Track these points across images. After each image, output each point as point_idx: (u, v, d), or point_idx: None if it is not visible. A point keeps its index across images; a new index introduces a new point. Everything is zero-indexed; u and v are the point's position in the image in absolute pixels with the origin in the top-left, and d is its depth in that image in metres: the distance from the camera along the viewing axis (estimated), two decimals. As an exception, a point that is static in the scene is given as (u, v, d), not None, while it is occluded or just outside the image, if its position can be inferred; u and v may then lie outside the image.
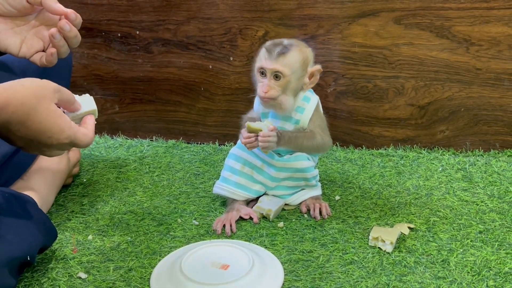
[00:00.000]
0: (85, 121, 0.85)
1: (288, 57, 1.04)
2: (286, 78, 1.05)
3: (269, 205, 1.14)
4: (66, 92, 0.82)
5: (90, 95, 0.89)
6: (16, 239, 0.88)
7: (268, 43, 1.08)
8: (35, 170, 1.17)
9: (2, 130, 0.77)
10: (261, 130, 1.05)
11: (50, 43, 0.92)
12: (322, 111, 1.16)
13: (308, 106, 1.11)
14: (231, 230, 1.09)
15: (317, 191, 1.18)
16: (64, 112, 0.82)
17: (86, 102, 0.86)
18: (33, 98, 0.77)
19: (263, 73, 1.06)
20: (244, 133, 1.08)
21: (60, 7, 0.90)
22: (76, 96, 0.85)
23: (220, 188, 1.17)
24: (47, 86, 0.79)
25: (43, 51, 0.94)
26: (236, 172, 1.16)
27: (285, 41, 1.07)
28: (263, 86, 1.05)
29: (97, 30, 1.51)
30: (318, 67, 1.09)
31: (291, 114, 1.11)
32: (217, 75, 1.50)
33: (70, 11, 0.90)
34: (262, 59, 1.06)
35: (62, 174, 1.22)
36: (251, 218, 1.13)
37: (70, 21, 0.90)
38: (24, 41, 0.92)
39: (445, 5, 1.33)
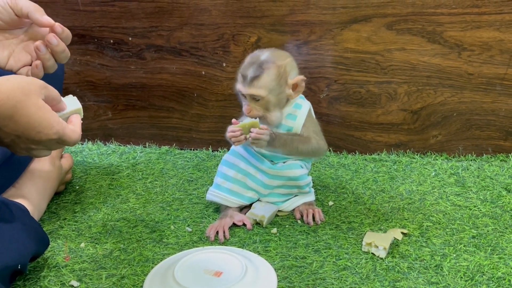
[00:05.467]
0: (71, 119, 0.85)
1: (262, 79, 1.05)
2: (264, 99, 1.06)
3: (262, 211, 1.14)
4: (52, 89, 0.82)
5: (83, 101, 0.89)
6: (7, 247, 0.88)
7: (245, 62, 1.08)
8: (26, 177, 1.16)
9: None
10: (253, 126, 1.05)
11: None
12: (314, 116, 1.16)
13: (300, 113, 1.11)
14: (224, 236, 1.09)
15: (310, 197, 1.18)
16: None
17: (71, 102, 0.86)
18: (19, 92, 0.76)
19: (243, 95, 1.08)
20: (230, 126, 1.08)
21: (47, 19, 0.89)
22: None
23: (213, 194, 1.16)
24: (33, 82, 0.79)
25: (31, 65, 0.93)
26: (229, 179, 1.16)
27: (262, 57, 1.06)
28: (245, 107, 1.08)
29: (90, 37, 1.51)
30: (301, 77, 1.08)
31: (282, 121, 1.11)
32: (210, 81, 1.50)
33: (57, 24, 0.89)
34: (239, 83, 1.07)
35: (54, 181, 1.21)
36: (244, 225, 1.13)
37: (56, 34, 0.89)
38: (12, 54, 0.91)
39: (437, 11, 1.33)
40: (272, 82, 1.05)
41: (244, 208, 1.18)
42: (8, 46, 0.92)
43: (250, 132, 1.05)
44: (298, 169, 1.14)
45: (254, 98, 1.06)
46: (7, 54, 0.91)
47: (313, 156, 1.17)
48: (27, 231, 0.94)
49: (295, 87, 1.08)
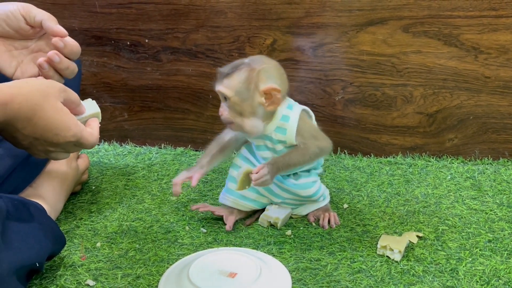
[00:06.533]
0: (90, 123, 0.85)
1: (232, 78, 1.02)
2: (231, 100, 1.03)
3: (276, 214, 1.14)
4: (72, 93, 0.82)
5: (100, 103, 0.90)
6: (24, 246, 0.89)
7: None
8: (44, 177, 1.17)
9: (8, 129, 0.77)
10: (247, 173, 1.04)
11: None
12: (309, 118, 1.11)
13: (288, 126, 1.06)
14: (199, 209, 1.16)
15: (324, 202, 1.18)
16: None
17: (90, 106, 0.87)
18: (38, 94, 0.77)
19: None
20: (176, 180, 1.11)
21: (59, 28, 0.88)
22: None
23: (226, 198, 1.16)
24: (52, 85, 0.80)
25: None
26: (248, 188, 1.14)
27: (246, 60, 1.04)
28: (220, 109, 1.06)
29: (107, 39, 1.52)
30: (271, 86, 1.02)
31: (271, 135, 1.07)
32: (226, 83, 1.50)
33: (57, 39, 0.87)
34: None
35: (70, 181, 1.22)
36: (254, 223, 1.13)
37: (59, 49, 0.87)
38: (20, 65, 0.92)
39: (453, 13, 1.33)
40: (240, 83, 1.02)
41: (257, 211, 1.18)
42: (17, 56, 0.92)
43: (251, 180, 1.04)
44: (310, 188, 1.12)
45: (225, 98, 1.04)
46: (15, 65, 0.91)
47: (318, 158, 1.12)
48: (44, 230, 0.95)
49: (268, 97, 1.03)
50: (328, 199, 1.19)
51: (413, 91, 1.41)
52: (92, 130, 0.83)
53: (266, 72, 1.03)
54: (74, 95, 0.82)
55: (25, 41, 0.93)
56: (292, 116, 1.07)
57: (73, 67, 0.90)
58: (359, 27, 1.38)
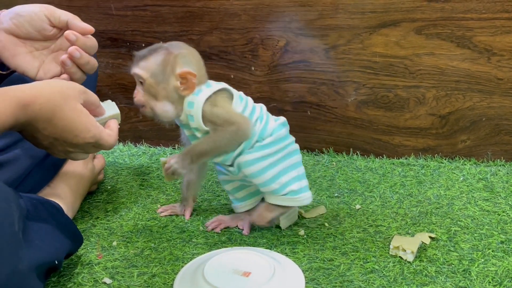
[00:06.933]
0: (109, 124, 0.87)
1: (148, 61, 1.01)
2: (146, 82, 1.00)
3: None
4: (92, 94, 0.84)
5: (115, 104, 0.92)
6: (44, 244, 0.90)
7: None
8: (61, 177, 1.19)
9: (29, 129, 0.79)
10: (164, 164, 1.05)
11: None
12: (228, 99, 1.05)
13: (193, 112, 1.02)
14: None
15: (279, 200, 1.09)
16: None
17: (109, 107, 0.89)
18: (58, 95, 0.79)
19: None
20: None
21: (86, 25, 0.91)
22: None
23: (235, 207, 1.17)
24: (73, 86, 0.82)
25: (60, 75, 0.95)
26: (232, 191, 1.15)
27: (164, 45, 1.03)
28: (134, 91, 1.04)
29: (122, 41, 1.54)
30: (186, 69, 1.00)
31: (188, 123, 1.04)
32: (239, 85, 1.51)
33: (69, 32, 0.90)
34: None
35: (87, 181, 1.24)
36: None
37: (71, 42, 0.89)
38: (42, 65, 0.94)
39: (466, 15, 1.33)
40: (155, 66, 1.00)
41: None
42: (39, 56, 0.94)
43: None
44: (252, 166, 1.05)
45: (140, 82, 1.02)
46: (38, 65, 0.93)
47: (238, 141, 1.03)
48: (62, 228, 0.97)
49: (184, 81, 1.01)
50: (291, 201, 1.08)
51: (426, 93, 1.41)
52: (111, 131, 0.85)
53: (184, 57, 1.02)
54: (94, 97, 0.84)
55: (45, 42, 0.95)
56: (196, 101, 1.02)
57: (93, 62, 0.93)
58: (372, 29, 1.39)
